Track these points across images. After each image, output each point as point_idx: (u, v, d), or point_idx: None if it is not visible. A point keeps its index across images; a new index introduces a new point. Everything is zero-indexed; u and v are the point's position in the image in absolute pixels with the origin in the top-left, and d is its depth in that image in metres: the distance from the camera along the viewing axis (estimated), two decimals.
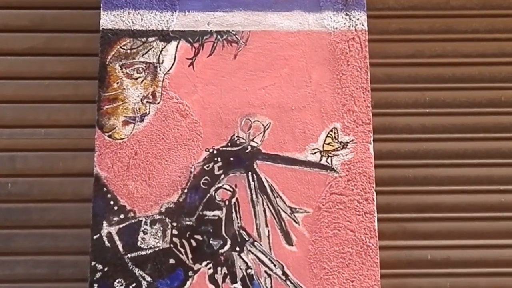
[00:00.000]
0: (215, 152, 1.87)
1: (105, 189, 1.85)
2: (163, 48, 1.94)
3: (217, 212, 1.82)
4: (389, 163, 2.07)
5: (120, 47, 1.94)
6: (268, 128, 1.89)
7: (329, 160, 1.89)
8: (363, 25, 1.97)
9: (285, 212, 1.85)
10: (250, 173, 1.86)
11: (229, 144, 1.88)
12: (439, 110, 2.15)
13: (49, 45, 2.11)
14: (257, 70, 1.94)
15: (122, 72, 1.91)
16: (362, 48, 1.97)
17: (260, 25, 1.97)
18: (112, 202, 1.84)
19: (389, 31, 2.18)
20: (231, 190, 1.84)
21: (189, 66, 1.93)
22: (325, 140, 1.90)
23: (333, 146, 1.89)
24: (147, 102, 1.89)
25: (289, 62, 1.95)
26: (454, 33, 2.21)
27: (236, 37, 1.95)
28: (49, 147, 2.07)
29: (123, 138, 1.87)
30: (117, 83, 1.90)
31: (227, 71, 1.93)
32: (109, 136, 1.88)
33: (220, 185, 1.85)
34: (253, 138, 1.88)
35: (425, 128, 2.13)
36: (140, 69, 1.90)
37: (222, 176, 1.85)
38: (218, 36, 1.95)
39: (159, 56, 1.93)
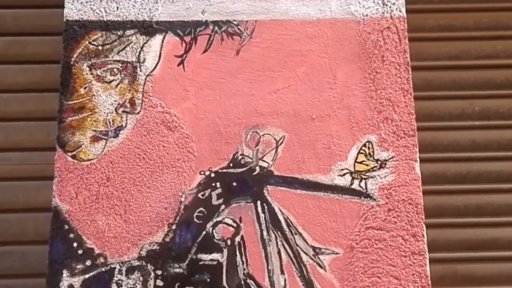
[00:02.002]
0: (212, 175, 1.75)
1: (66, 226, 1.70)
2: (145, 43, 1.83)
3: (216, 255, 1.69)
4: (433, 189, 1.97)
5: (89, 42, 1.84)
6: (281, 143, 1.76)
7: (362, 184, 1.74)
8: (400, 10, 1.87)
9: (306, 253, 1.70)
10: (259, 202, 1.73)
11: (231, 164, 1.76)
12: (491, 123, 2.09)
13: (9, 50, 2.06)
14: (266, 69, 1.82)
15: (92, 74, 1.81)
16: (400, 39, 1.84)
17: (269, 12, 1.86)
18: (75, 244, 1.70)
19: (427, 28, 2.12)
20: (234, 225, 1.71)
21: (178, 65, 1.82)
22: (356, 158, 1.76)
23: (367, 165, 1.75)
24: (123, 111, 1.78)
25: (308, 59, 1.84)
26: (506, 29, 2.17)
27: (238, 29, 1.85)
28: (6, 176, 2.00)
29: (91, 159, 1.76)
30: (85, 88, 1.80)
31: (228, 71, 1.83)
32: (73, 157, 1.76)
33: (219, 219, 1.71)
34: (263, 157, 1.76)
35: (476, 145, 2.06)
36: (115, 70, 1.80)
37: (223, 207, 1.72)
38: (216, 28, 1.85)
39: (139, 53, 1.82)
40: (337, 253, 1.70)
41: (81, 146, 1.76)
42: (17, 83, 2.04)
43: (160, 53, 1.83)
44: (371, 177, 1.75)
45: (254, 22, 1.85)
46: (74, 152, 1.76)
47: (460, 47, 2.13)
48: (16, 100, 2.03)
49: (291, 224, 1.71)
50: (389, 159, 1.76)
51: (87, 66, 1.82)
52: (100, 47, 1.83)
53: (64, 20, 1.85)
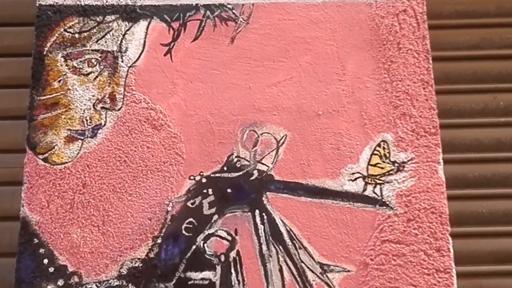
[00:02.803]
0: (204, 180, 1.70)
1: (36, 240, 1.63)
2: (127, 30, 1.78)
3: (207, 274, 1.63)
4: (454, 194, 1.84)
5: (65, 30, 1.78)
6: (283, 143, 1.69)
7: (377, 190, 1.65)
8: None
9: (313, 271, 1.62)
10: (257, 211, 1.65)
11: (225, 168, 1.70)
12: None
13: None
14: (265, 59, 1.76)
15: (67, 65, 1.76)
16: (418, 24, 1.75)
17: None
18: (46, 261, 1.63)
19: (444, 15, 2.02)
20: (229, 238, 1.66)
21: (165, 55, 1.77)
22: (370, 160, 1.68)
23: (382, 168, 1.66)
24: (102, 108, 1.73)
25: (312, 47, 1.77)
26: None
27: (233, 13, 1.78)
28: None
29: (65, 163, 1.70)
30: (59, 81, 1.74)
31: (221, 61, 1.78)
32: (45, 160, 1.70)
33: (212, 231, 1.65)
34: (261, 159, 1.70)
35: (501, 144, 1.97)
36: (93, 60, 1.76)
37: (215, 217, 1.66)
38: (208, 12, 1.79)
39: (121, 41, 1.77)
40: (348, 271, 1.61)
41: (54, 147, 1.71)
42: None
43: (145, 42, 1.79)
44: (387, 182, 1.66)
45: (251, 6, 1.78)
46: (46, 155, 1.71)
47: (481, 35, 2.04)
48: None
49: (294, 237, 1.62)
50: (408, 161, 1.66)
51: (61, 57, 1.77)
52: (76, 35, 1.78)
53: (37, 4, 1.77)
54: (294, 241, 1.60)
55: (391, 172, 1.65)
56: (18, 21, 1.96)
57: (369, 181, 1.64)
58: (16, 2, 1.96)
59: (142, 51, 1.78)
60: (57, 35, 1.77)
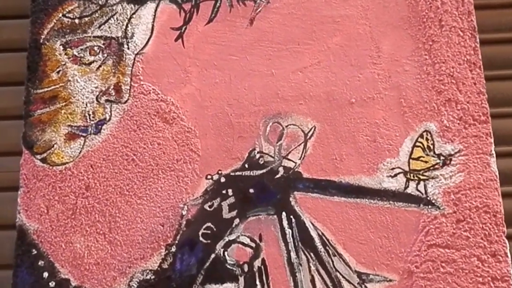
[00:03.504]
0: (223, 180, 1.61)
1: (34, 251, 1.55)
2: (133, 13, 1.70)
3: (229, 286, 1.55)
4: (510, 191, 1.71)
5: (64, 15, 1.71)
6: (312, 136, 1.59)
7: (421, 187, 1.53)
8: None
9: (349, 281, 1.52)
10: (284, 214, 1.56)
11: (247, 165, 1.61)
12: None
13: None
14: (289, 42, 1.66)
15: (66, 54, 1.68)
16: None
17: None
18: (46, 274, 1.55)
19: None
20: (253, 245, 1.57)
21: (176, 40, 1.69)
22: (411, 153, 1.57)
23: (426, 162, 1.55)
24: (106, 101, 1.66)
25: (342, 27, 1.67)
26: None
27: None
28: None
29: (66, 163, 1.63)
30: (58, 72, 1.67)
31: (240, 45, 1.69)
32: (43, 161, 1.62)
33: (233, 237, 1.56)
34: (287, 154, 1.60)
35: None
36: (96, 48, 1.69)
37: (237, 221, 1.57)
38: None
39: (126, 26, 1.69)
40: (390, 280, 1.51)
41: (53, 146, 1.64)
42: None
43: (153, 26, 1.71)
44: (432, 178, 1.55)
45: None
46: (45, 155, 1.64)
47: None
48: None
49: (327, 242, 1.52)
50: (455, 153, 1.55)
51: (60, 45, 1.70)
52: (77, 21, 1.71)
53: None
54: (327, 247, 1.50)
55: (437, 166, 1.54)
56: (16, 13, 1.88)
57: (412, 177, 1.53)
58: None
59: (150, 36, 1.71)
60: (55, 21, 1.71)
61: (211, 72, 1.65)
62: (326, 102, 1.59)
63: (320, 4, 1.65)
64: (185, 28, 1.67)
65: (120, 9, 1.67)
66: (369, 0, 1.64)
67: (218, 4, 1.67)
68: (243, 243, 1.53)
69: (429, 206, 1.51)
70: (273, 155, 1.58)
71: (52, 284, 1.52)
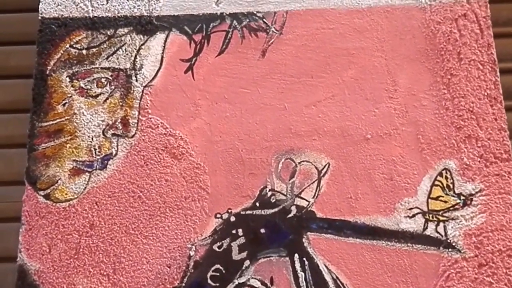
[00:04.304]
0: (232, 219, 1.57)
1: None
2: (142, 44, 1.68)
3: None
4: None
5: (71, 45, 1.69)
6: (326, 173, 1.55)
7: (441, 229, 1.49)
8: None
9: None
10: (297, 256, 1.51)
11: (258, 204, 1.57)
12: None
13: None
14: (302, 74, 1.63)
15: (73, 86, 1.67)
16: (482, 30, 1.59)
17: (304, 0, 1.67)
18: None
19: (501, 22, 1.87)
20: None
21: (185, 72, 1.67)
22: (430, 193, 1.52)
23: (446, 202, 1.50)
24: (113, 135, 1.64)
25: (357, 60, 1.64)
26: None
27: (264, 22, 1.66)
28: None
29: (70, 200, 1.59)
30: (64, 104, 1.65)
31: (252, 78, 1.66)
32: (47, 197, 1.59)
33: (243, 280, 1.51)
34: (300, 192, 1.56)
35: None
36: (103, 80, 1.67)
37: (247, 263, 1.52)
38: (234, 22, 1.68)
39: (135, 58, 1.67)
40: None
41: (57, 182, 1.61)
42: None
43: (162, 57, 1.69)
44: (452, 219, 1.50)
45: (285, 14, 1.66)
46: (48, 191, 1.60)
47: None
48: None
49: (342, 286, 1.48)
50: (476, 193, 1.50)
51: (67, 76, 1.68)
52: (84, 51, 1.69)
53: (39, 17, 1.67)
54: None
55: (457, 206, 1.49)
56: (23, 39, 1.87)
57: (431, 218, 1.48)
58: (22, 18, 1.89)
59: (159, 68, 1.69)
60: (62, 51, 1.69)
61: (222, 105, 1.61)
62: (340, 137, 1.54)
63: (334, 36, 1.61)
64: (195, 60, 1.64)
65: (129, 40, 1.65)
66: (384, 32, 1.60)
67: (229, 35, 1.64)
68: (253, 287, 1.47)
69: (449, 249, 1.45)
70: (285, 193, 1.53)
71: None
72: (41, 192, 1.59)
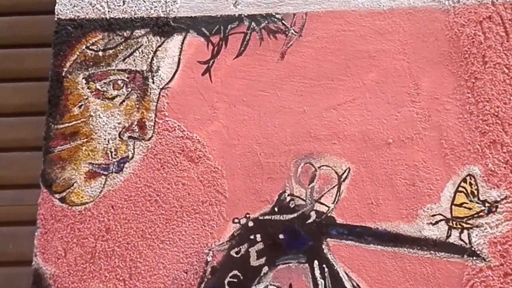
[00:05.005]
0: (250, 224, 1.56)
1: None
2: (159, 46, 1.68)
3: None
4: None
5: (87, 47, 1.69)
6: (346, 178, 1.54)
7: (465, 236, 1.46)
8: None
9: None
10: (316, 262, 1.50)
11: (277, 209, 1.55)
12: None
13: (1, 65, 1.89)
14: (322, 77, 1.61)
15: (89, 88, 1.67)
16: (507, 32, 1.55)
17: (323, 2, 1.64)
18: None
19: None
20: None
21: (203, 74, 1.66)
22: (454, 199, 1.49)
23: (470, 209, 1.48)
24: (129, 137, 1.63)
25: (379, 62, 1.62)
26: None
27: (283, 24, 1.64)
28: None
29: (86, 203, 1.59)
30: (80, 106, 1.65)
31: (270, 81, 1.64)
32: (62, 200, 1.59)
33: (261, 286, 1.51)
34: (320, 198, 1.55)
35: None
36: (120, 82, 1.66)
37: (265, 269, 1.51)
38: (253, 24, 1.66)
39: (151, 60, 1.67)
40: None
41: (73, 185, 1.60)
42: (9, 105, 1.84)
43: (179, 59, 1.68)
44: (477, 227, 1.46)
45: (304, 15, 1.64)
46: (64, 194, 1.60)
47: None
48: (7, 125, 1.84)
49: None
50: (502, 200, 1.47)
51: (83, 78, 1.67)
52: (100, 53, 1.68)
53: (55, 19, 1.67)
54: None
55: (481, 213, 1.45)
56: (40, 41, 1.87)
57: (454, 225, 1.45)
58: (36, 20, 1.90)
59: (176, 70, 1.67)
60: (78, 53, 1.68)
61: (240, 108, 1.60)
62: (361, 142, 1.52)
63: (355, 38, 1.59)
64: (213, 62, 1.63)
65: (146, 42, 1.64)
66: (407, 35, 1.57)
67: (247, 37, 1.63)
68: None
69: (474, 258, 1.43)
70: (304, 199, 1.52)
71: None
72: (57, 195, 1.59)
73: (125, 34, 1.68)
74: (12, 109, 1.85)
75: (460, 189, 1.48)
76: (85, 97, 1.64)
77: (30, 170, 1.76)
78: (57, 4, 1.69)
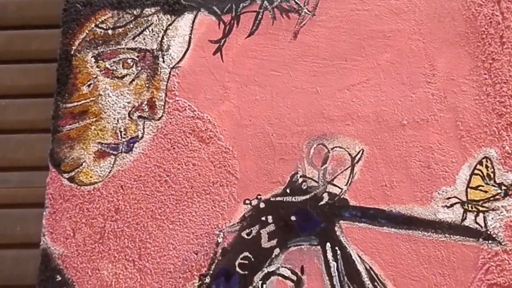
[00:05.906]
0: (262, 205, 1.54)
1: (58, 277, 1.52)
2: (170, 25, 1.68)
3: None
4: None
5: (96, 25, 1.69)
6: (359, 160, 1.53)
7: (480, 219, 1.44)
8: None
9: None
10: (329, 245, 1.49)
11: (288, 190, 1.55)
12: None
13: (9, 47, 1.89)
14: (336, 57, 1.61)
15: (98, 66, 1.67)
16: None
17: None
18: None
19: None
20: (294, 278, 1.49)
21: (214, 54, 1.65)
22: (469, 182, 1.48)
23: (486, 192, 1.46)
24: (139, 117, 1.63)
25: (394, 43, 1.61)
26: None
27: (296, 3, 1.64)
28: (1, 201, 1.84)
29: (95, 183, 1.59)
30: (89, 85, 1.65)
31: (283, 60, 1.64)
32: (71, 180, 1.59)
33: (272, 268, 1.49)
34: (333, 179, 1.53)
35: None
36: (129, 61, 1.66)
37: (277, 251, 1.50)
38: (265, 2, 1.66)
39: (162, 38, 1.67)
40: None
41: (81, 164, 1.60)
42: (18, 86, 1.84)
43: (190, 38, 1.67)
44: (493, 210, 1.45)
45: None
46: (72, 173, 1.60)
47: None
48: (15, 107, 1.84)
49: (376, 278, 1.44)
50: None
51: (92, 57, 1.67)
52: (110, 31, 1.68)
53: None
54: (376, 283, 1.42)
55: (497, 196, 1.44)
56: (48, 22, 1.87)
57: (470, 208, 1.44)
58: (43, 1, 1.89)
59: (187, 49, 1.67)
60: (87, 31, 1.69)
61: (251, 88, 1.60)
62: (375, 123, 1.52)
63: (369, 18, 1.58)
64: (224, 41, 1.64)
65: (156, 20, 1.64)
66: (423, 14, 1.56)
67: (260, 16, 1.62)
68: (283, 276, 1.46)
69: (489, 241, 1.42)
70: (317, 180, 1.51)
71: None
72: (65, 175, 1.60)
73: (135, 12, 1.67)
74: (20, 91, 1.85)
75: (476, 171, 1.47)
76: (94, 76, 1.64)
77: (38, 152, 1.76)
78: None
